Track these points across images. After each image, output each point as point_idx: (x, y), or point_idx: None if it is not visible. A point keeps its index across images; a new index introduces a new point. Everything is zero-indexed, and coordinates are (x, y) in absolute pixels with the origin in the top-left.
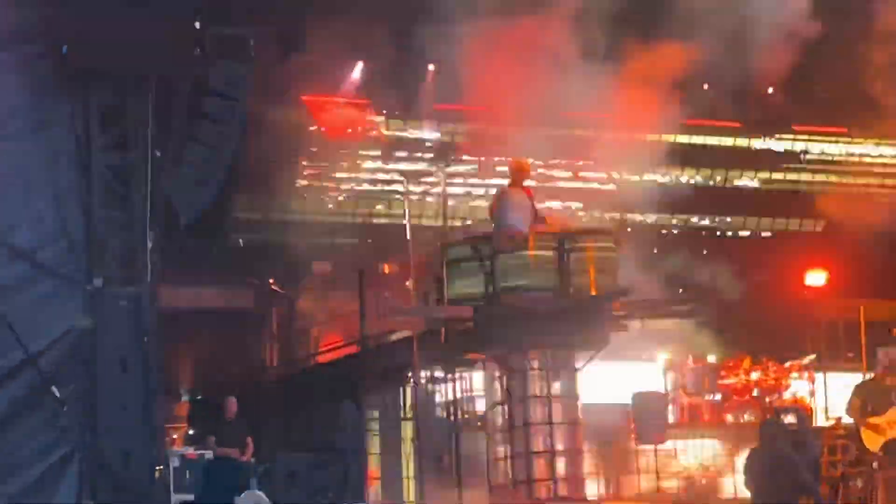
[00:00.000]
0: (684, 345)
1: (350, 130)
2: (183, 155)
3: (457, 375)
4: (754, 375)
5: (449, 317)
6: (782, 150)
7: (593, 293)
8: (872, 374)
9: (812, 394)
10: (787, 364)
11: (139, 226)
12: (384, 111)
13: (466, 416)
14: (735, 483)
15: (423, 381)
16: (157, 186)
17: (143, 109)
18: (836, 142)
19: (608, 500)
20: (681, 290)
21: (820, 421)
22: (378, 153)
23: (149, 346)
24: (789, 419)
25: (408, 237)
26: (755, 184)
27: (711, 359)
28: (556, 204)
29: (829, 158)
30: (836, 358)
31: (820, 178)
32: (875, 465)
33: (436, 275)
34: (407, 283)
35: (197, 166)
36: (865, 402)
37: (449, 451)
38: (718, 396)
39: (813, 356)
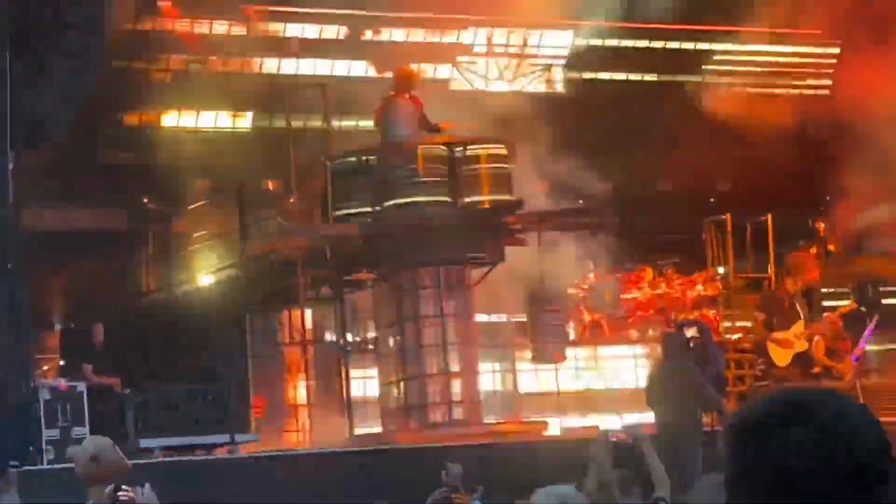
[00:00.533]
0: (584, 257)
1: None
2: (46, 68)
3: (345, 297)
4: (658, 289)
5: (335, 235)
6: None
7: (486, 206)
8: (776, 287)
9: (717, 306)
10: (693, 276)
11: None
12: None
13: (356, 339)
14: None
15: (309, 303)
16: (19, 102)
17: (1, 19)
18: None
19: (507, 423)
20: (580, 201)
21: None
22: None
23: (14, 273)
24: (692, 333)
25: (290, 150)
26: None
27: (612, 272)
28: None
29: (732, 58)
30: (742, 269)
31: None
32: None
33: (321, 191)
34: (290, 201)
35: (62, 80)
36: (770, 316)
37: (338, 377)
38: (622, 312)
39: (721, 268)
